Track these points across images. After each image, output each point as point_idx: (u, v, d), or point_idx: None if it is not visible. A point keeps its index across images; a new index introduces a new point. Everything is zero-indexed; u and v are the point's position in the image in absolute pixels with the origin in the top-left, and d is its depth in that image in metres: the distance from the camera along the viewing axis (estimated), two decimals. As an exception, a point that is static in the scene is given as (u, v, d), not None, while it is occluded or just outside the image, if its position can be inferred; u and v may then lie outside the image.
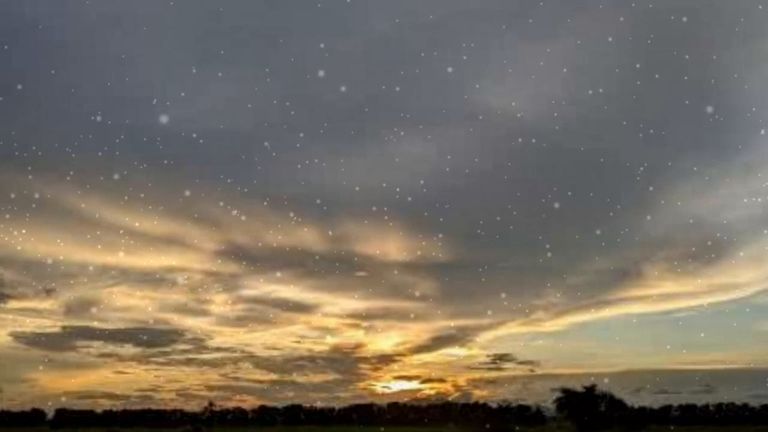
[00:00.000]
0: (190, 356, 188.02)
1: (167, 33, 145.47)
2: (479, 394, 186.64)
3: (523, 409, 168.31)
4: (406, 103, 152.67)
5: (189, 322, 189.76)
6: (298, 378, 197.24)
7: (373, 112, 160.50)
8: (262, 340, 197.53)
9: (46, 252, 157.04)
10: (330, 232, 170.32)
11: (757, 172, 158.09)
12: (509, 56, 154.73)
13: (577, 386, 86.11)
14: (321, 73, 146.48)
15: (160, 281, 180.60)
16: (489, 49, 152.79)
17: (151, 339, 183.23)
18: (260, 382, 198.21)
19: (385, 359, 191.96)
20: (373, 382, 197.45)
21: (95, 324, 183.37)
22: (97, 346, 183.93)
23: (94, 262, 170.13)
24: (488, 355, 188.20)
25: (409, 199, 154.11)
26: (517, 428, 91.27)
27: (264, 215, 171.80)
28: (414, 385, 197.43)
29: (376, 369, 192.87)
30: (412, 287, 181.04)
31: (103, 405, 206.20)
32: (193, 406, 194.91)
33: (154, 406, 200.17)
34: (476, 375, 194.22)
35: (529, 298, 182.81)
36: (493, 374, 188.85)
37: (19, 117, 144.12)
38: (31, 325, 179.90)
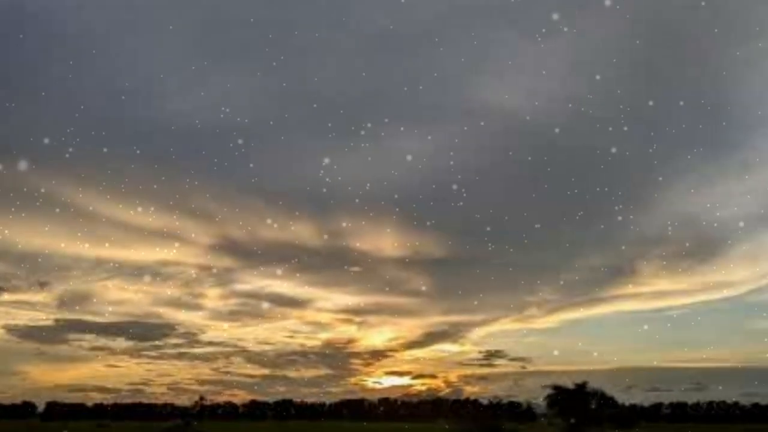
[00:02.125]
0: (182, 350, 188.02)
1: (166, 27, 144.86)
2: (470, 390, 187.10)
3: (513, 406, 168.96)
4: (403, 99, 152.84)
5: (182, 316, 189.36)
6: (290, 373, 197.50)
7: (371, 107, 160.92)
8: (255, 334, 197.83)
9: (40, 245, 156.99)
10: (325, 227, 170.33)
11: (754, 170, 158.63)
12: (507, 52, 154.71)
13: (569, 383, 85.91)
14: (319, 68, 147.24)
15: (154, 275, 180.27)
16: (487, 46, 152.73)
17: (144, 333, 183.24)
18: (252, 376, 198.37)
19: (377, 355, 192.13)
20: (365, 378, 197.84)
21: (88, 317, 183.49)
22: (90, 340, 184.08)
23: (88, 256, 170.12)
24: (480, 352, 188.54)
25: (405, 194, 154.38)
26: (508, 425, 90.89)
27: (259, 210, 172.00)
28: (405, 380, 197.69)
29: (367, 364, 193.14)
30: (405, 283, 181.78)
31: (94, 398, 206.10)
32: (183, 400, 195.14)
33: (145, 400, 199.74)
34: (468, 371, 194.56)
35: (522, 294, 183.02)
36: (485, 370, 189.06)
37: (16, 109, 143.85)
38: (24, 317, 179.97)
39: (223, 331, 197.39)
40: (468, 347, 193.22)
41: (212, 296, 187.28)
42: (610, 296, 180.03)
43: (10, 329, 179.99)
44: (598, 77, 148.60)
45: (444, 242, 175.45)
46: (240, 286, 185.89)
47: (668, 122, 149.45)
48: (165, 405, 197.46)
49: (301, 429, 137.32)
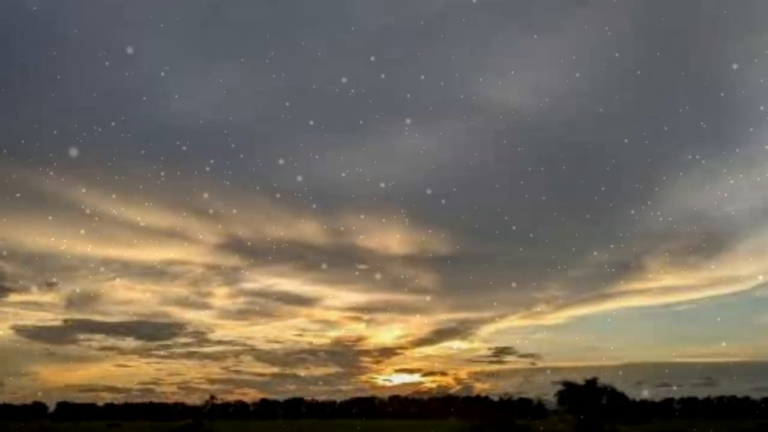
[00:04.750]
0: (192, 349, 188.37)
1: (168, 26, 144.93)
2: (481, 387, 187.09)
3: (524, 402, 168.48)
4: (407, 96, 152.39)
5: (190, 316, 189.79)
6: (300, 371, 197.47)
7: (375, 104, 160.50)
8: (264, 333, 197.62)
9: (47, 245, 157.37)
10: (331, 225, 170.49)
11: (759, 164, 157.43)
12: (510, 49, 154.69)
13: (579, 379, 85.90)
14: (322, 66, 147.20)
15: (162, 274, 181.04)
16: (490, 42, 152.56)
17: (153, 332, 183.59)
18: (261, 375, 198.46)
19: (387, 352, 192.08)
20: (375, 375, 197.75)
21: (96, 317, 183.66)
22: (99, 340, 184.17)
23: (96, 256, 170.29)
24: (489, 348, 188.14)
25: (411, 192, 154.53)
26: (519, 421, 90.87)
27: (265, 208, 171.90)
28: (415, 378, 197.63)
29: (377, 362, 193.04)
30: (413, 280, 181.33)
31: (105, 398, 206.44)
32: (194, 400, 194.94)
33: (155, 400, 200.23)
34: (477, 368, 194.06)
35: (531, 291, 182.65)
36: (495, 367, 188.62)
37: (20, 110, 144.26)
38: (32, 318, 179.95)
39: (231, 330, 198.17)
40: (477, 344, 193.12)
41: (220, 295, 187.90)
42: (618, 292, 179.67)
43: (19, 330, 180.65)
44: (601, 73, 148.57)
45: (451, 239, 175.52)
46: (247, 285, 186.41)
47: (673, 118, 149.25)
48: (175, 404, 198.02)
49: (313, 427, 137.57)
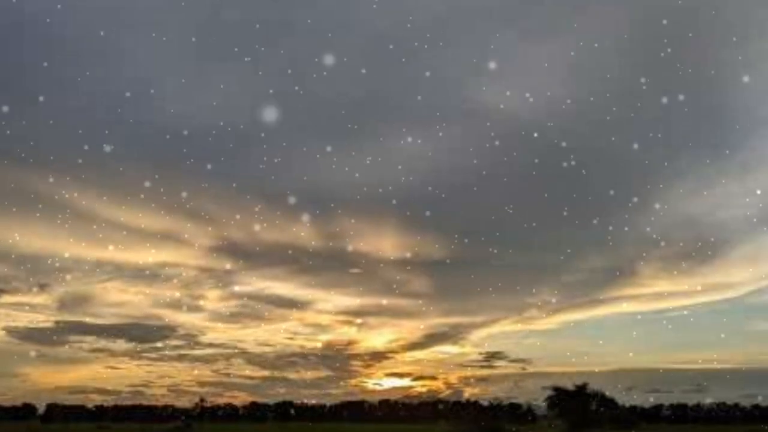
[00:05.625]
0: (182, 352, 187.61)
1: (166, 28, 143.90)
2: (471, 392, 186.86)
3: (514, 407, 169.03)
4: (403, 101, 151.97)
5: (182, 318, 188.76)
6: (290, 374, 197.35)
7: (370, 109, 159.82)
8: (255, 336, 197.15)
9: (40, 247, 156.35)
10: (324, 229, 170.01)
11: (754, 171, 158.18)
12: (508, 54, 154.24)
13: (569, 385, 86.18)
14: (318, 69, 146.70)
15: (154, 277, 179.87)
16: (488, 47, 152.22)
17: (144, 334, 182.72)
18: (252, 378, 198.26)
19: (378, 356, 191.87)
20: (365, 379, 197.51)
21: (88, 319, 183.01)
22: (90, 341, 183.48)
23: (88, 258, 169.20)
24: (481, 353, 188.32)
25: (405, 196, 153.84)
26: (508, 426, 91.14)
27: (259, 211, 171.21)
28: (405, 382, 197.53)
29: (368, 366, 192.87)
30: (406, 284, 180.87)
31: (95, 400, 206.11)
32: (184, 402, 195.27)
33: (145, 402, 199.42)
34: (468, 373, 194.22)
35: (523, 296, 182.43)
36: (485, 372, 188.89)
37: (16, 112, 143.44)
38: (24, 319, 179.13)
39: (223, 333, 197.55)
40: (468, 349, 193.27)
41: (212, 298, 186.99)
42: (610, 297, 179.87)
43: (10, 331, 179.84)
44: (598, 79, 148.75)
45: (444, 244, 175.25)
46: (240, 288, 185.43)
47: (668, 124, 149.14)
48: (165, 407, 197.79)
49: (302, 430, 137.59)
